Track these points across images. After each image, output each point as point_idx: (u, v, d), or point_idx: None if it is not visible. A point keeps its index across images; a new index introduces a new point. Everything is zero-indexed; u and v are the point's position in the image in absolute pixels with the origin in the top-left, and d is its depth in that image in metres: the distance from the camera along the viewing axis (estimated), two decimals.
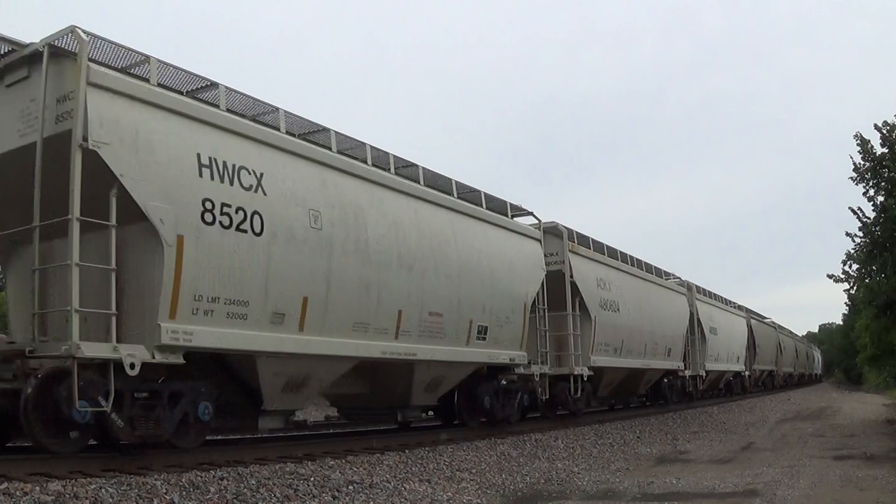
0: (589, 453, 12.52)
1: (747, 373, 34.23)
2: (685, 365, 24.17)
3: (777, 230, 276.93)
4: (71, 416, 7.02)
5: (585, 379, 16.56)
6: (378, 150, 11.20)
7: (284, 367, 9.23)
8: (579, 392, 16.32)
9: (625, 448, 13.57)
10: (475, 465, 10.18)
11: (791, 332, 55.60)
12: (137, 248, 7.76)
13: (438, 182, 12.58)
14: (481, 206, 13.58)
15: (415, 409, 12.30)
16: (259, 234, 8.60)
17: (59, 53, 7.59)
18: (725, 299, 32.18)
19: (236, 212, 8.35)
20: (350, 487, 7.80)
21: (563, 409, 16.58)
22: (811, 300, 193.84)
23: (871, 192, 16.09)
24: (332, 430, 14.39)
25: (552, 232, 16.26)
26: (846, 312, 56.80)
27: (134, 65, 8.25)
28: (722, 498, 8.33)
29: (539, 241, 15.24)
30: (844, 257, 17.14)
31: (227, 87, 8.97)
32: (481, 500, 8.23)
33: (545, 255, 15.31)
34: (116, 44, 7.94)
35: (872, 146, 15.79)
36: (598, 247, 18.75)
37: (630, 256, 20.94)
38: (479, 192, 13.65)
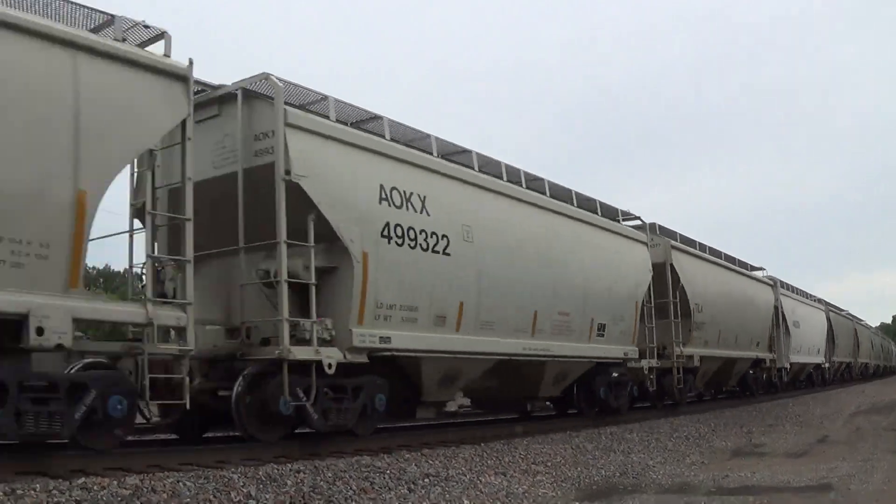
0: (664, 446, 12.40)
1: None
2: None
3: (850, 218, 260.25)
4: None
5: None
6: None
7: None
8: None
9: (700, 441, 13.45)
10: (550, 458, 10.12)
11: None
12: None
13: None
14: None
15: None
16: None
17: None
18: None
19: None
20: (426, 480, 7.79)
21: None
22: (886, 290, 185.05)
23: None
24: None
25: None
26: None
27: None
28: (796, 492, 8.28)
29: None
30: None
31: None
32: (556, 492, 8.21)
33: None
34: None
35: None
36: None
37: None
38: None
